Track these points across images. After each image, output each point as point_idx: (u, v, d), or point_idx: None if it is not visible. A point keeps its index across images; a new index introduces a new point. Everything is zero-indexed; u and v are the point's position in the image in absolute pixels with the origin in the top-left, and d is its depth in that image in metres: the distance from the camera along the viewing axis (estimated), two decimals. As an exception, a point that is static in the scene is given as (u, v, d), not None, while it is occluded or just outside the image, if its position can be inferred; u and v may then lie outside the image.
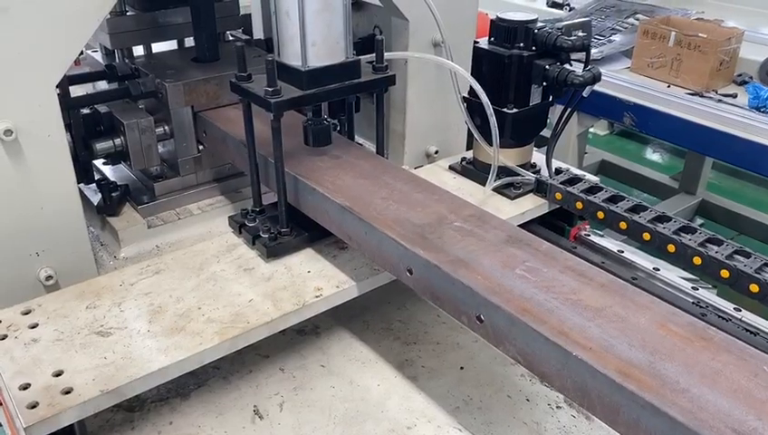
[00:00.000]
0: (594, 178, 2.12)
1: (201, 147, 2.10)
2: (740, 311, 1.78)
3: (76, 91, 2.13)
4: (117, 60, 2.26)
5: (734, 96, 3.17)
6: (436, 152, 2.39)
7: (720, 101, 3.15)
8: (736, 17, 4.38)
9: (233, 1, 2.37)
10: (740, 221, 4.62)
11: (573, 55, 2.01)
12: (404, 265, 1.44)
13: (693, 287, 1.91)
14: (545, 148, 2.14)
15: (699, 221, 4.86)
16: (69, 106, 1.83)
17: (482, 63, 2.02)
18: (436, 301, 1.40)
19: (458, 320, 1.35)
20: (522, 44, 1.94)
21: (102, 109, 1.97)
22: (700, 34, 3.23)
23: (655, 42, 3.38)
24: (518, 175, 2.08)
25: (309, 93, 1.63)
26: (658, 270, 1.99)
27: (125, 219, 1.99)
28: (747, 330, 1.69)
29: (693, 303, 1.81)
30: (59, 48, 1.53)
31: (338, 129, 2.17)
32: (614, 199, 1.94)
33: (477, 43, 2.05)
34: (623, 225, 1.86)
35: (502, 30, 1.97)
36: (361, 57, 1.76)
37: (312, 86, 1.63)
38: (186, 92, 1.98)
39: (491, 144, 1.97)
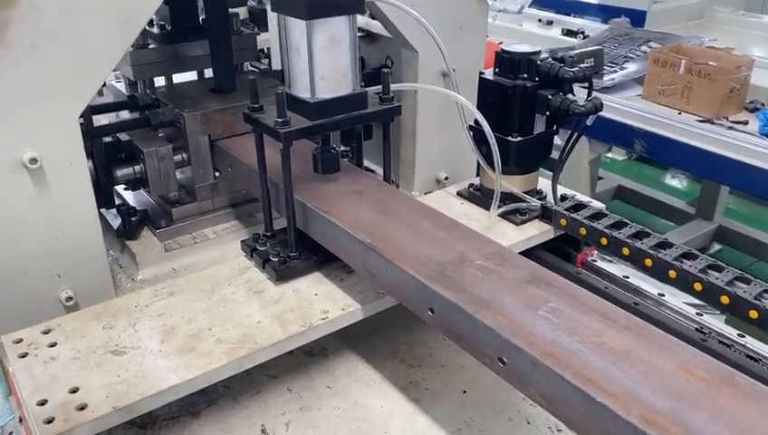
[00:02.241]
0: (599, 205, 2.16)
1: (217, 174, 2.18)
2: (744, 337, 1.79)
3: (101, 119, 2.23)
4: (139, 90, 2.36)
5: (745, 123, 3.19)
6: (446, 178, 2.44)
7: (731, 128, 3.16)
8: (752, 43, 4.41)
9: (250, 34, 2.47)
10: (758, 247, 4.59)
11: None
12: (425, 303, 1.43)
13: (698, 313, 1.92)
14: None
15: (717, 247, 4.84)
16: (92, 135, 1.92)
17: (487, 94, 2.08)
18: (458, 341, 1.38)
19: (480, 361, 1.34)
20: (525, 75, 2.00)
21: (124, 137, 2.07)
22: (710, 63, 3.26)
23: (666, 69, 3.42)
24: (524, 201, 2.13)
25: (317, 124, 1.70)
26: (663, 296, 2.01)
27: (143, 243, 2.08)
28: (749, 356, 1.70)
29: (696, 329, 1.82)
30: (82, 82, 1.62)
31: (349, 154, 2.24)
32: (617, 226, 1.97)
33: (483, 74, 2.11)
34: (626, 251, 1.88)
35: (506, 61, 2.02)
36: (369, 88, 1.83)
37: (320, 117, 1.70)
38: (203, 122, 2.07)
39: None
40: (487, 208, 2.14)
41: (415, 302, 1.47)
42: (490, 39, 3.08)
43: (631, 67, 3.90)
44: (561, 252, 2.17)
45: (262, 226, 2.18)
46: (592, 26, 4.92)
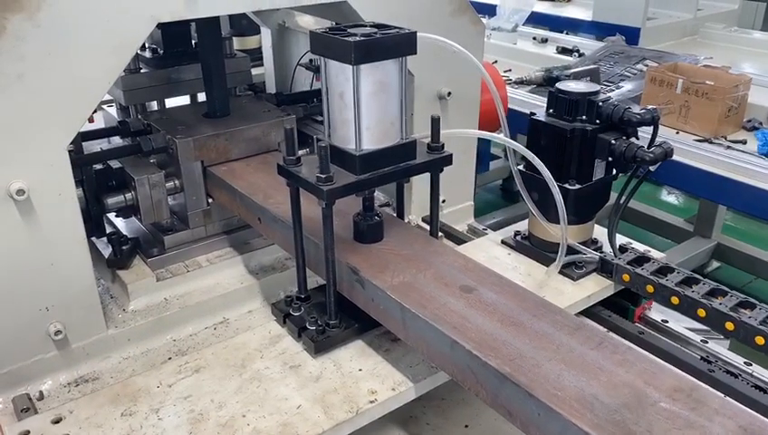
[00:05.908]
0: (660, 255, 2.02)
1: (210, 200, 2.13)
2: (751, 365, 1.75)
3: (94, 145, 2.19)
4: (131, 115, 2.32)
5: (744, 142, 3.16)
6: (443, 201, 2.40)
7: (729, 147, 3.14)
8: (745, 59, 4.41)
9: (243, 57, 2.44)
10: (756, 265, 4.54)
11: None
12: None
13: (702, 340, 1.88)
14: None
15: (715, 265, 4.81)
16: (82, 162, 1.88)
17: (540, 136, 1.94)
18: None
19: None
20: (584, 117, 1.86)
21: (115, 164, 2.02)
22: (707, 82, 3.24)
23: (663, 89, 3.40)
24: (580, 253, 1.98)
25: (363, 179, 1.55)
26: (667, 322, 1.97)
27: (134, 272, 2.01)
28: (757, 387, 1.65)
29: (701, 358, 1.78)
30: (70, 111, 1.57)
31: (389, 203, 2.14)
32: (689, 282, 1.81)
33: (534, 115, 1.97)
34: (701, 312, 1.72)
35: (563, 102, 1.89)
36: (417, 136, 1.69)
37: (367, 170, 1.55)
38: (195, 148, 2.03)
39: (549, 220, 1.88)
40: (539, 260, 2.02)
41: None
42: (484, 58, 3.06)
43: (628, 86, 3.88)
44: (617, 305, 2.00)
45: (256, 253, 2.15)
46: (587, 44, 4.91)
